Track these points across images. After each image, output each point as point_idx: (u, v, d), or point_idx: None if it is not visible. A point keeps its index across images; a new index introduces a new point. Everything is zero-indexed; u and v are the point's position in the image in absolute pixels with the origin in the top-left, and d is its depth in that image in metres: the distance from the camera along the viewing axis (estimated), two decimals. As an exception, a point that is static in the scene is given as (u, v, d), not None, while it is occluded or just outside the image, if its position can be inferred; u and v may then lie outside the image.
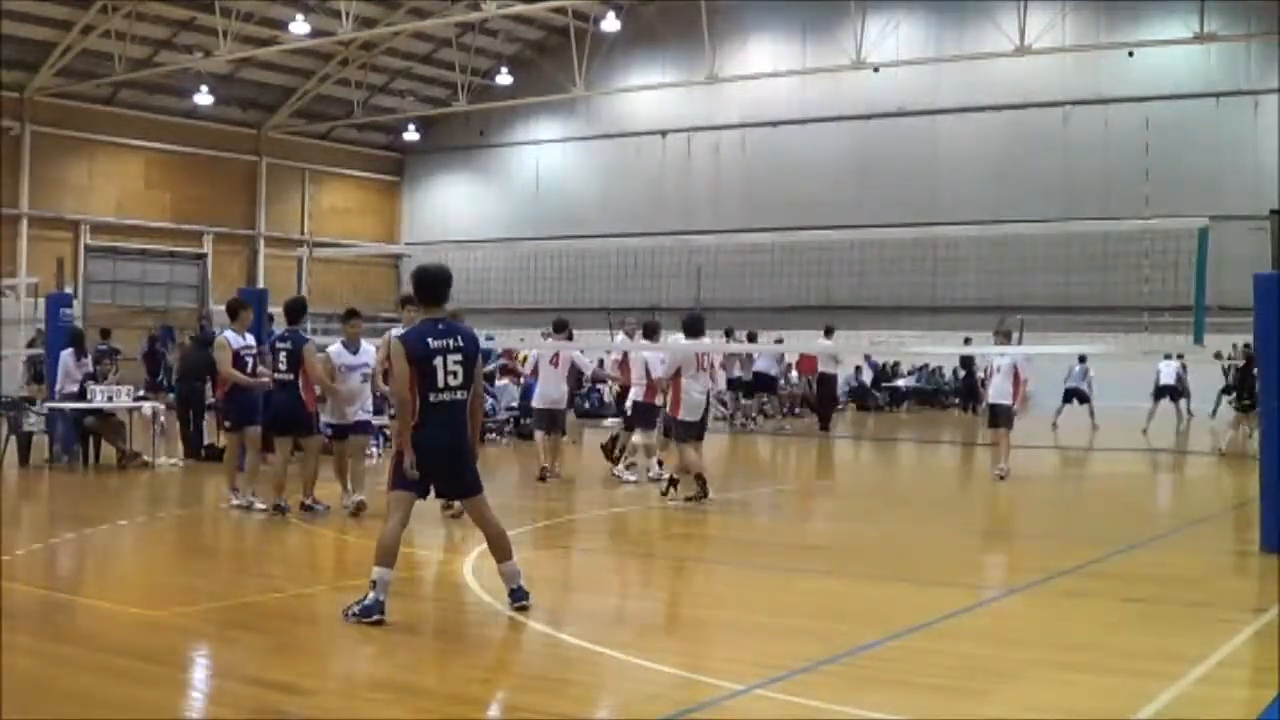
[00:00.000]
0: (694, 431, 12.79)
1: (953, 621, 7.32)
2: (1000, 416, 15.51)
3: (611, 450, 15.51)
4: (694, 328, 13.11)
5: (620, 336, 16.79)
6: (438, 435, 7.09)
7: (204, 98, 37.11)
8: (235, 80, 38.15)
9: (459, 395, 7.15)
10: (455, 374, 7.11)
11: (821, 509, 13.98)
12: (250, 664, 6.22)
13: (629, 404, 14.56)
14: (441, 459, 7.15)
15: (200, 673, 6.32)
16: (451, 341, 7.15)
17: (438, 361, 7.07)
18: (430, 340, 7.12)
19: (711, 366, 13.23)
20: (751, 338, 24.17)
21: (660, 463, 14.26)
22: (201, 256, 39.56)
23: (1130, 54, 32.20)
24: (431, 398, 7.06)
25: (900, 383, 35.31)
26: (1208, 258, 10.36)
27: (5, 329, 23.38)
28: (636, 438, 14.35)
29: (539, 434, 14.63)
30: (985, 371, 17.32)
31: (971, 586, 8.57)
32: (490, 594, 7.59)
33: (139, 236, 37.92)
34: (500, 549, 7.29)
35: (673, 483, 12.90)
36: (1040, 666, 6.27)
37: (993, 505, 14.05)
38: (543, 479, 14.13)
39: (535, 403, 15.00)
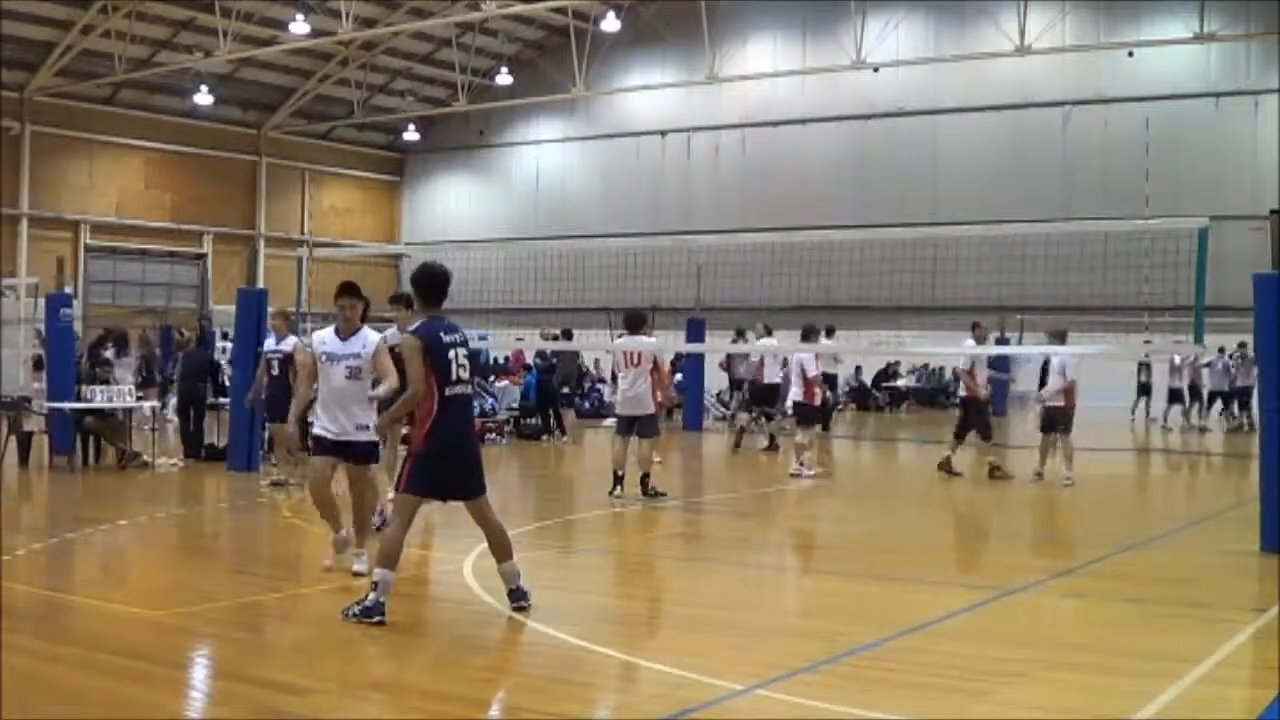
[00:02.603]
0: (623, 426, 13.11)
1: (953, 621, 7.32)
2: (1057, 420, 15.32)
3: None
4: (632, 323, 13.35)
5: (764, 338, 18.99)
6: (454, 434, 7.13)
7: (204, 98, 37.09)
8: (235, 80, 38.14)
9: (468, 390, 7.29)
10: (465, 368, 7.22)
11: (821, 509, 13.96)
12: (250, 664, 6.22)
13: (790, 404, 15.72)
14: (459, 459, 7.19)
15: (200, 673, 6.32)
16: (459, 337, 7.29)
17: (451, 355, 7.15)
18: (443, 335, 7.20)
19: (644, 362, 13.05)
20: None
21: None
22: (201, 256, 39.56)
23: (1130, 54, 32.14)
24: (447, 391, 7.10)
25: (900, 383, 35.30)
26: (1208, 258, 10.37)
27: (5, 329, 23.36)
28: (799, 436, 15.41)
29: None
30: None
31: (971, 586, 8.56)
32: (490, 594, 7.59)
33: (139, 236, 37.93)
34: (501, 549, 7.31)
35: (618, 480, 13.00)
36: (1040, 666, 6.27)
37: (993, 506, 14.04)
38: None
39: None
